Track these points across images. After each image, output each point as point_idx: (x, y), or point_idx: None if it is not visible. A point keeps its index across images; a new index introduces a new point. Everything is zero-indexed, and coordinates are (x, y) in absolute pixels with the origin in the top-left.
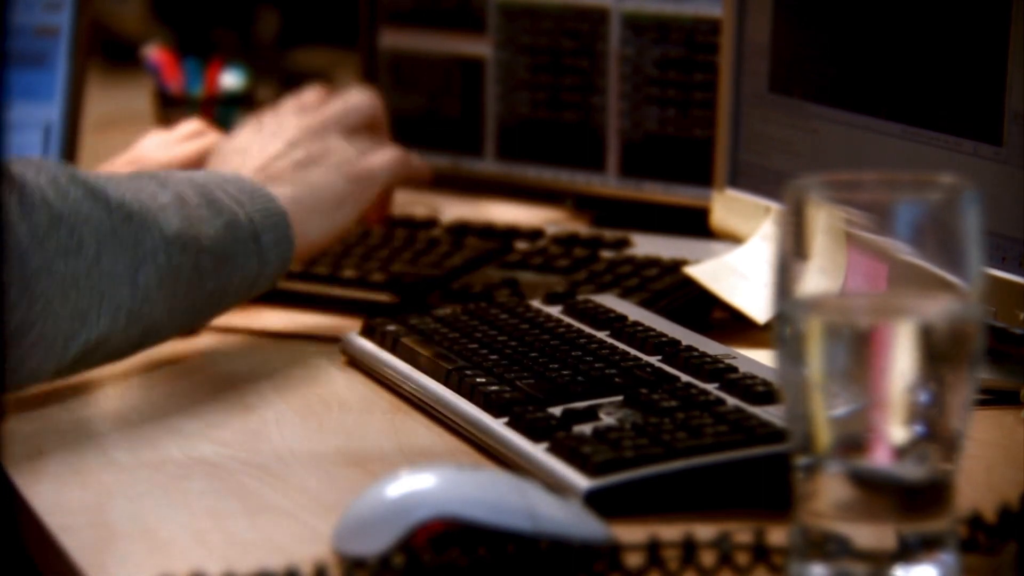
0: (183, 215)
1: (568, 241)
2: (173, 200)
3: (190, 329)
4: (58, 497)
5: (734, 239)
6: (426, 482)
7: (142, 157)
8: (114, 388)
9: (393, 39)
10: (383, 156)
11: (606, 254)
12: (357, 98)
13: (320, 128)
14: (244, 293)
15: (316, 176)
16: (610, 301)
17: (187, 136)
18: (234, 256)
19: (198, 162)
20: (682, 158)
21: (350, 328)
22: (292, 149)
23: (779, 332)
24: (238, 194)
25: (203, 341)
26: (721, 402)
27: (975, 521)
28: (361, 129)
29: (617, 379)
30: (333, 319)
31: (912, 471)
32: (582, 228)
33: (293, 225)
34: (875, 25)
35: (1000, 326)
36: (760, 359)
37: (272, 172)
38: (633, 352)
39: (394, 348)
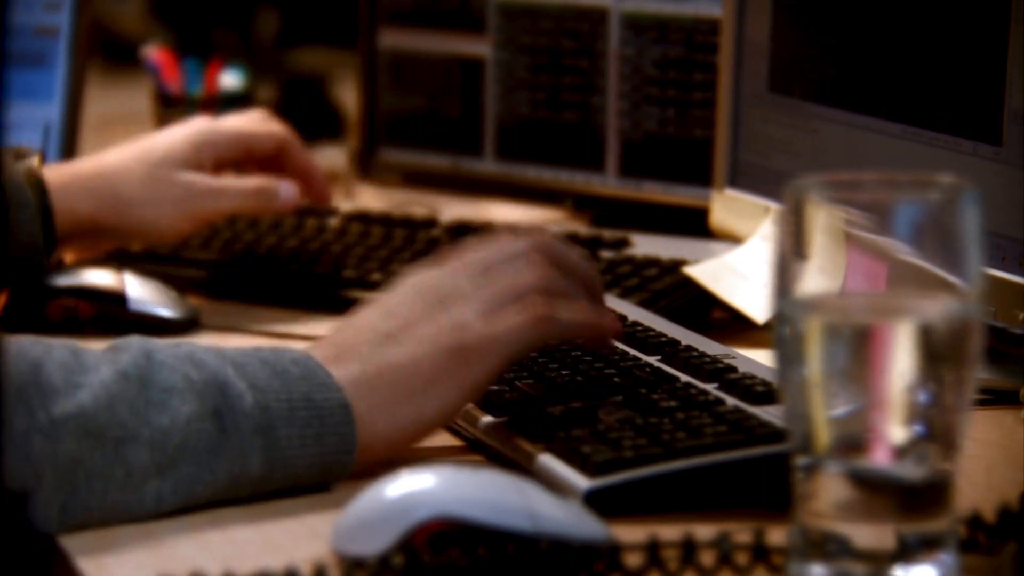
0: (107, 394)
1: (568, 241)
2: (112, 376)
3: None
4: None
5: (734, 239)
6: (426, 482)
7: (193, 121)
8: None
9: (393, 39)
10: (509, 325)
11: (606, 254)
12: (524, 256)
13: (451, 284)
14: (237, 493)
15: (399, 351)
16: (610, 301)
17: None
18: (206, 449)
19: (262, 139)
20: (682, 158)
21: None
22: (387, 316)
23: (779, 332)
24: (267, 379)
25: (203, 341)
26: (721, 402)
27: (975, 521)
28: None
29: (617, 379)
30: (333, 319)
31: (912, 471)
32: (582, 228)
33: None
34: (875, 25)
35: (1000, 326)
36: (760, 359)
37: (348, 347)
38: (633, 352)
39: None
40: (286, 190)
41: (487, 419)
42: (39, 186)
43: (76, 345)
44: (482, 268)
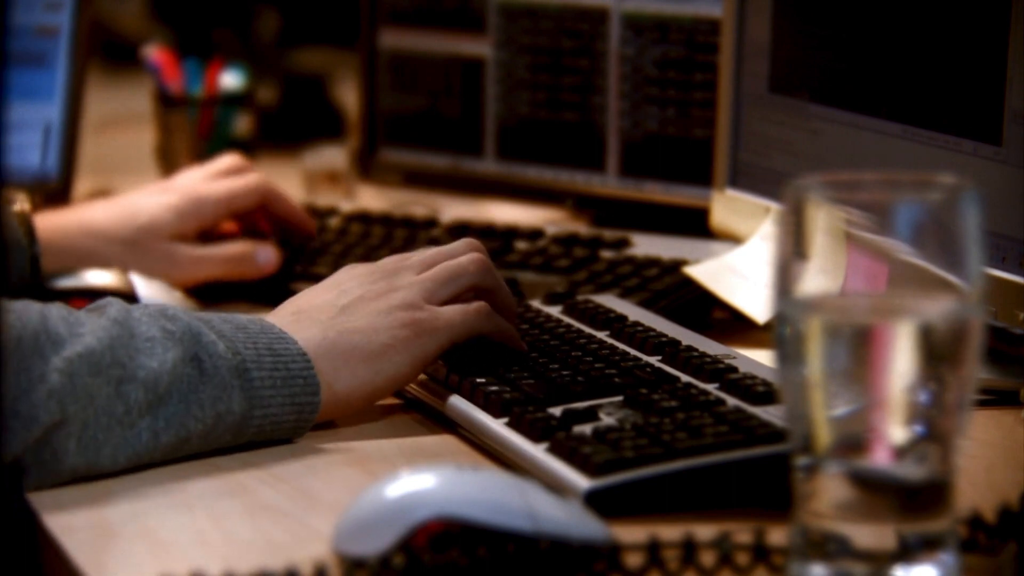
0: (107, 336)
1: (568, 241)
2: (107, 322)
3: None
4: (58, 497)
5: (734, 239)
6: (426, 482)
7: (179, 187)
8: None
9: (393, 39)
10: (455, 310)
11: (606, 254)
12: (464, 253)
13: (393, 268)
14: (223, 434)
15: (356, 320)
16: (610, 301)
17: (224, 171)
18: (191, 390)
19: (244, 199)
20: (682, 158)
21: None
22: (342, 294)
23: (779, 332)
24: (232, 331)
25: None
26: (721, 402)
27: (975, 521)
28: (452, 284)
29: (617, 379)
30: None
31: (912, 471)
32: (582, 228)
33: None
34: (875, 25)
35: (1000, 326)
36: (760, 359)
37: (306, 316)
38: (633, 352)
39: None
40: (264, 255)
41: (487, 419)
42: (30, 233)
43: (64, 306)
44: (427, 261)
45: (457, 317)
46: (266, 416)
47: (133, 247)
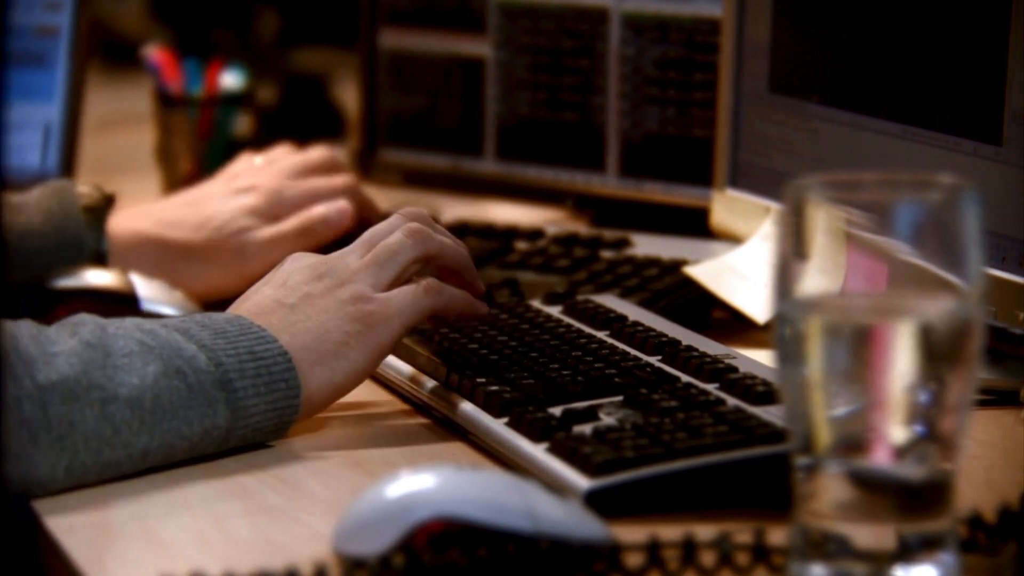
0: (79, 360)
1: (568, 241)
2: (79, 346)
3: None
4: (58, 497)
5: (734, 239)
6: (426, 482)
7: (259, 185)
8: None
9: (393, 39)
10: (404, 293)
11: (606, 254)
12: (399, 225)
13: (336, 257)
14: (208, 447)
15: (306, 320)
16: (610, 301)
17: (313, 167)
18: (179, 406)
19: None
20: (682, 158)
21: None
22: (289, 292)
23: (779, 332)
24: (211, 338)
25: None
26: (721, 402)
27: (975, 521)
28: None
29: (617, 379)
30: None
31: (912, 471)
32: (582, 228)
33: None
34: (875, 25)
35: (1000, 326)
36: (760, 359)
37: (256, 319)
38: (633, 352)
39: (394, 348)
40: (336, 212)
41: (487, 419)
42: (98, 229)
43: (32, 322)
44: (365, 245)
45: (408, 300)
46: (248, 425)
47: (203, 252)
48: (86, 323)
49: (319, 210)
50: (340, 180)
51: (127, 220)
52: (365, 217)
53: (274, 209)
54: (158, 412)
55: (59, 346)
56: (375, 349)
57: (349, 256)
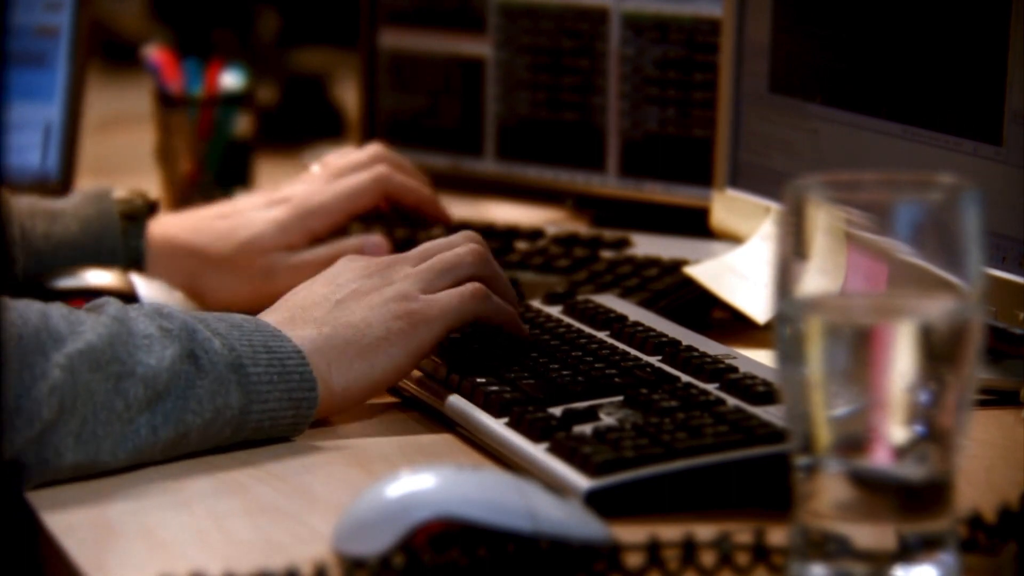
0: (107, 332)
1: (568, 241)
2: (107, 319)
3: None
4: (58, 496)
5: (734, 239)
6: (426, 482)
7: (292, 196)
8: None
9: (393, 39)
10: (450, 295)
11: (606, 254)
12: (461, 244)
13: (389, 262)
14: (222, 429)
15: (350, 314)
16: (610, 301)
17: (350, 166)
18: (188, 386)
19: (361, 200)
20: (682, 158)
21: None
22: (337, 288)
23: (779, 332)
24: (227, 328)
25: None
26: (721, 402)
27: (975, 521)
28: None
29: (617, 379)
30: None
31: (912, 471)
32: (582, 228)
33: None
34: (875, 25)
35: (1000, 326)
36: (760, 359)
37: (301, 313)
38: (633, 352)
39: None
40: (371, 246)
41: (487, 419)
42: (137, 233)
43: (63, 304)
44: (424, 253)
45: (453, 302)
46: (264, 411)
47: (228, 264)
48: (111, 303)
49: (352, 241)
50: (367, 176)
51: (165, 226)
52: (411, 206)
53: (304, 221)
54: (168, 392)
55: (87, 324)
56: (415, 347)
57: (403, 262)
